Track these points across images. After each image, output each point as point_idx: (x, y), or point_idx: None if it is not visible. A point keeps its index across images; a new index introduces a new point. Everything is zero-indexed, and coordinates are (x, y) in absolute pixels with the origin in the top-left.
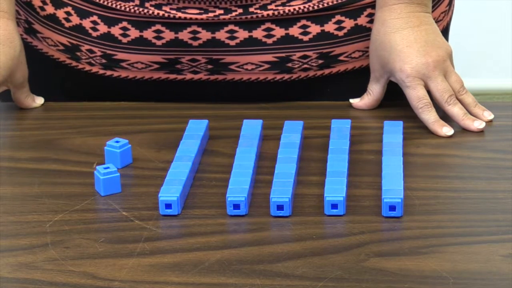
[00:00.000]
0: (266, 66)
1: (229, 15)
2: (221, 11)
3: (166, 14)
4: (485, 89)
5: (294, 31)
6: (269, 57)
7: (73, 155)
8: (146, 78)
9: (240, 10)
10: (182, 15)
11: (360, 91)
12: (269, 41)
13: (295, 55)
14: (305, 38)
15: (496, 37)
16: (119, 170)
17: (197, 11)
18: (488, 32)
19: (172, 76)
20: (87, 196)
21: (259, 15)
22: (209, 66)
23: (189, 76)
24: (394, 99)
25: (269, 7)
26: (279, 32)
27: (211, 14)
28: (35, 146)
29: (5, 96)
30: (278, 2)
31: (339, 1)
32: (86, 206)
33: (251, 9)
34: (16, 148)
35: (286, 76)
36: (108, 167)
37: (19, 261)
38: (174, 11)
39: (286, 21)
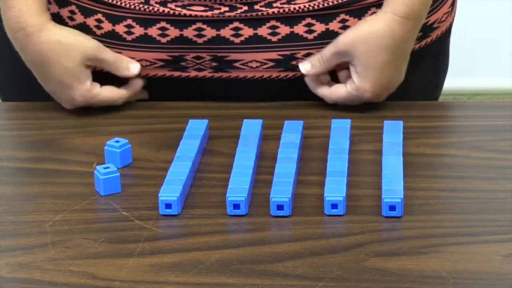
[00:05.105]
0: (271, 64)
1: (234, 12)
2: (226, 8)
3: (171, 12)
4: (485, 89)
5: (299, 29)
6: (274, 55)
7: (73, 155)
8: (151, 75)
9: (245, 8)
10: (187, 12)
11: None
12: (274, 38)
13: (299, 53)
14: (310, 36)
15: (496, 37)
16: (119, 170)
17: (202, 8)
18: (488, 32)
19: (176, 74)
20: (87, 196)
21: (264, 13)
22: (214, 64)
23: (193, 73)
24: (394, 99)
25: (274, 4)
26: (284, 30)
27: (216, 11)
28: (35, 146)
29: (5, 96)
30: (283, 0)
31: (342, 0)
32: (86, 206)
33: (256, 7)
34: (16, 148)
35: (291, 74)
36: (108, 167)
37: (19, 261)
38: (179, 8)
39: (291, 19)
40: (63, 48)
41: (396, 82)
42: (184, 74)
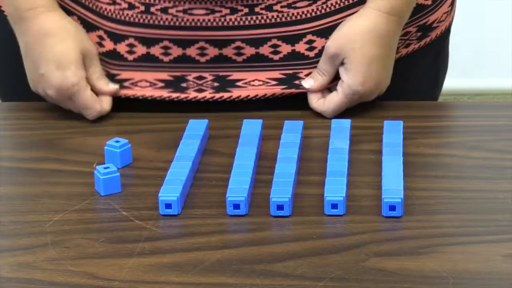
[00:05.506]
0: (274, 82)
1: (235, 15)
2: (227, 11)
3: (174, 18)
4: (485, 89)
5: (300, 47)
6: (276, 74)
7: (73, 155)
8: (147, 95)
9: (246, 10)
10: (190, 17)
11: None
12: (276, 57)
13: (302, 72)
14: (311, 54)
15: (496, 36)
16: (119, 170)
17: (204, 12)
18: (488, 32)
19: (175, 95)
20: (87, 196)
21: (264, 16)
22: (215, 84)
23: (193, 94)
24: (394, 99)
25: (274, 7)
26: (285, 48)
27: (217, 14)
28: (35, 146)
29: (5, 96)
30: (284, 3)
31: (343, 4)
32: (86, 206)
33: (256, 9)
34: (16, 148)
35: (294, 91)
36: (108, 167)
37: (19, 261)
38: (181, 14)
39: (292, 37)
40: (70, 31)
41: (384, 80)
42: (183, 95)
